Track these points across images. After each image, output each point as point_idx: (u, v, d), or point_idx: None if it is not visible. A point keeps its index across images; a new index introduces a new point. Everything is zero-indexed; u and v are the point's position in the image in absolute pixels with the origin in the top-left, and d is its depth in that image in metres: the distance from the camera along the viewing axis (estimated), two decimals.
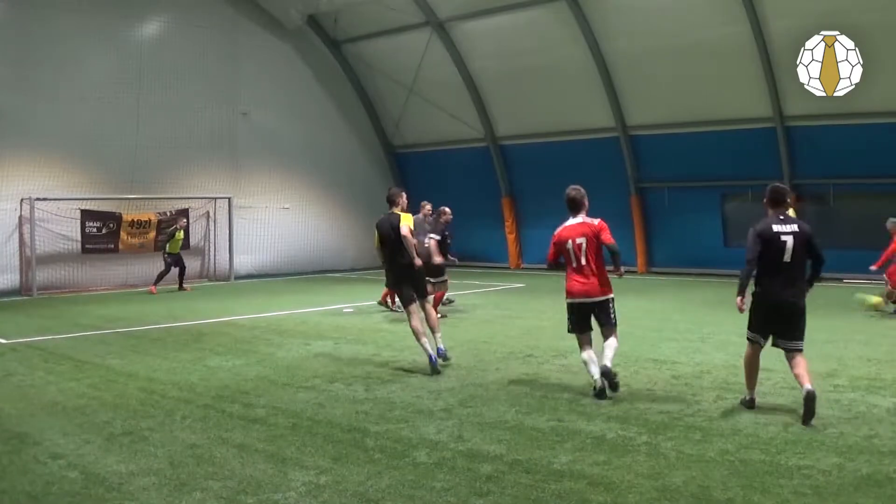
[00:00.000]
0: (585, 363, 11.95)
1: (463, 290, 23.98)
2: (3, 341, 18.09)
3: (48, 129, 29.28)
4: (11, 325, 21.08)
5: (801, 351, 10.55)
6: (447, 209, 21.87)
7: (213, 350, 16.42)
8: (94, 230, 30.61)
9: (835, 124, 27.61)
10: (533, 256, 36.27)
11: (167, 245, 30.28)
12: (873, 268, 20.59)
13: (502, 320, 20.56)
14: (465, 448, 9.25)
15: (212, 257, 34.06)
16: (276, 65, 36.47)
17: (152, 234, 31.88)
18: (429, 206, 22.10)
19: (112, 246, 31.10)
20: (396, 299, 19.39)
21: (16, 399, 12.21)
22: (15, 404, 11.83)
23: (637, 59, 30.83)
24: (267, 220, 35.78)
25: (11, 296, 28.35)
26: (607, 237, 12.08)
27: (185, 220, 31.66)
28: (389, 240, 14.72)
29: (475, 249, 35.82)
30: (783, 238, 10.47)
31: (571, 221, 12.33)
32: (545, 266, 12.97)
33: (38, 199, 28.93)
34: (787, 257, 10.48)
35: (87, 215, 30.42)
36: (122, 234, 31.21)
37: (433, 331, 14.64)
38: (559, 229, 12.36)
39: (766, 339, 10.78)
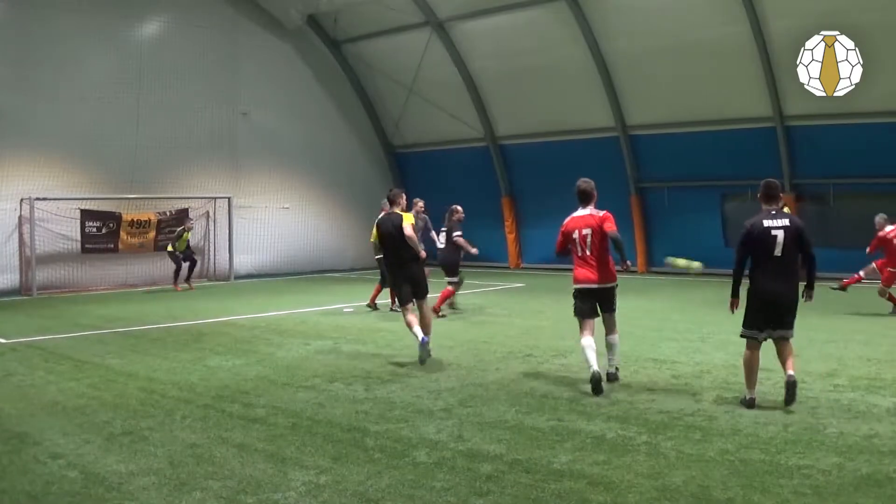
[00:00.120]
0: (584, 349, 12.20)
1: (463, 291, 23.92)
2: (2, 341, 18.09)
3: (48, 129, 29.29)
4: (11, 324, 21.08)
5: (789, 339, 11.03)
6: (459, 207, 22.17)
7: (213, 350, 16.42)
8: (94, 230, 30.61)
9: (835, 124, 27.62)
10: (533, 256, 36.30)
11: (175, 243, 30.28)
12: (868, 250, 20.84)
13: (502, 320, 20.57)
14: (464, 448, 9.25)
15: (211, 257, 34.04)
16: (276, 65, 36.48)
17: (152, 234, 31.89)
18: (421, 203, 22.22)
19: (112, 246, 31.10)
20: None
21: (16, 399, 12.21)
22: (15, 404, 11.82)
23: (637, 58, 30.84)
24: (267, 219, 35.79)
25: (11, 295, 28.38)
26: (609, 226, 12.44)
27: (192, 221, 31.64)
28: (391, 239, 15.07)
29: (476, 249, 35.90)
30: (773, 233, 10.78)
31: (579, 213, 12.74)
32: (554, 255, 13.32)
33: (37, 198, 28.94)
34: (777, 251, 10.77)
35: (86, 215, 30.42)
36: (122, 234, 31.20)
37: (424, 333, 14.72)
38: (567, 220, 12.80)
39: (762, 332, 10.98)
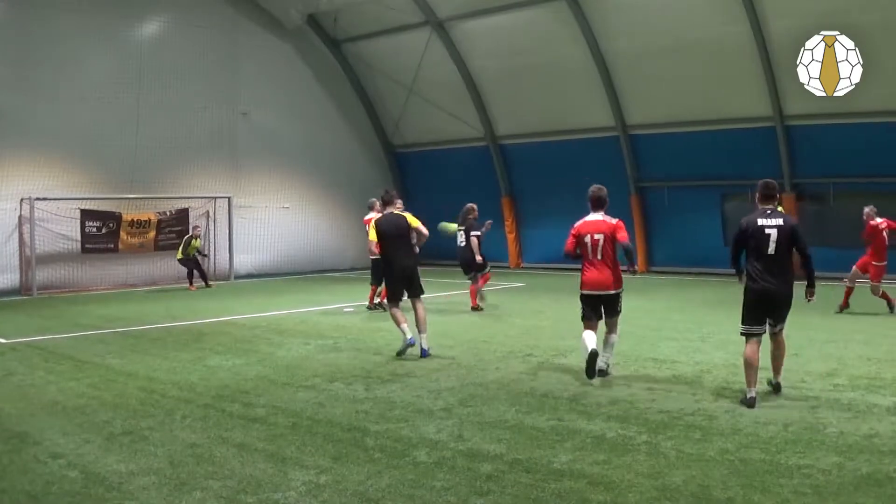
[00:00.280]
0: (584, 339, 12.78)
1: (464, 290, 23.92)
2: (3, 341, 18.11)
3: (48, 129, 29.30)
4: (11, 324, 21.10)
5: (781, 333, 11.49)
6: (475, 206, 22.77)
7: (213, 349, 16.43)
8: (94, 230, 30.62)
9: (834, 123, 27.60)
10: (533, 256, 36.30)
11: (185, 250, 30.39)
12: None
13: (502, 319, 20.56)
14: (465, 447, 9.25)
15: (212, 257, 34.01)
16: (276, 64, 36.46)
17: (152, 234, 31.91)
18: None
19: (112, 246, 31.10)
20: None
21: (16, 398, 12.22)
22: (15, 404, 11.83)
23: (637, 58, 30.82)
24: (267, 219, 35.77)
25: (11, 295, 28.38)
26: (622, 236, 12.95)
27: (199, 228, 31.61)
28: (392, 239, 15.44)
29: None
30: (767, 231, 11.09)
31: (592, 217, 13.12)
32: (563, 256, 13.50)
33: (37, 198, 28.94)
34: (771, 249, 11.08)
35: (86, 215, 30.42)
36: (122, 234, 31.20)
37: (420, 331, 15.24)
38: (579, 223, 13.17)
39: (760, 327, 11.26)
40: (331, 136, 38.23)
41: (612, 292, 13.01)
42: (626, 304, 13.62)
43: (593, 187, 13.31)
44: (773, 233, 11.04)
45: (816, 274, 11.52)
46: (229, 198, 34.17)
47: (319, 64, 38.31)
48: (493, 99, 36.07)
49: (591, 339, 12.75)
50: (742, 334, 11.33)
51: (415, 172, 40.16)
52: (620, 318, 13.40)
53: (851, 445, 8.98)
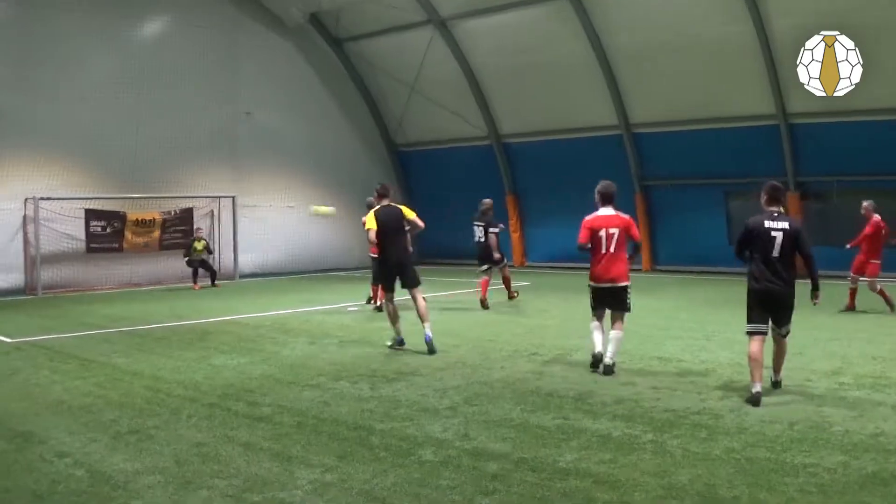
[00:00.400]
0: (591, 332, 13.58)
1: (468, 289, 23.94)
2: (8, 340, 18.14)
3: (50, 129, 29.37)
4: (16, 324, 21.14)
5: (785, 336, 11.63)
6: (491, 202, 23.87)
7: (218, 349, 16.45)
8: (99, 229, 30.67)
9: (838, 121, 27.61)
10: (537, 254, 36.32)
11: (191, 253, 30.46)
12: (848, 246, 20.99)
13: (507, 318, 20.58)
14: (470, 446, 9.25)
15: (216, 256, 34.03)
16: (278, 63, 36.50)
17: (157, 234, 31.97)
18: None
19: (116, 245, 31.17)
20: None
21: (21, 398, 12.24)
22: (20, 403, 11.86)
23: (639, 56, 30.84)
24: (271, 218, 35.78)
25: (16, 295, 28.44)
26: (636, 232, 13.72)
27: (201, 230, 31.57)
28: (392, 231, 15.91)
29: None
30: (773, 234, 11.22)
31: (604, 212, 13.53)
32: (576, 249, 13.87)
33: (41, 198, 28.99)
34: (775, 252, 11.21)
35: (91, 214, 30.48)
36: (127, 234, 31.26)
37: (422, 319, 15.74)
38: (592, 217, 13.56)
39: (765, 325, 11.40)
40: (333, 136, 38.25)
41: (621, 285, 13.36)
42: (632, 302, 13.67)
43: (604, 182, 13.72)
44: (779, 236, 11.17)
45: (820, 272, 11.59)
46: (233, 197, 34.20)
47: (321, 63, 38.33)
48: (496, 97, 36.08)
49: (598, 338, 13.40)
50: (747, 332, 11.42)
51: (418, 171, 40.19)
52: (627, 316, 13.60)
53: (857, 444, 8.99)
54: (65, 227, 29.97)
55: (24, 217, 29.24)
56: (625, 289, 13.43)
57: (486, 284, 22.76)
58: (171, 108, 32.35)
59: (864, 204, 20.39)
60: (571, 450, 9.02)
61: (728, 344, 15.28)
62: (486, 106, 36.36)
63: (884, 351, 14.66)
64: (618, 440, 9.37)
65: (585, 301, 14.15)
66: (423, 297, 16.02)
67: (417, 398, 11.68)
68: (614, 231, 13.28)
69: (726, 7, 27.68)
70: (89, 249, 30.61)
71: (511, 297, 23.34)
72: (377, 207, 16.18)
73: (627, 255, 13.55)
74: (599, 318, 13.60)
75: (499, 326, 19.01)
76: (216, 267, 31.70)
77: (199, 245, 30.63)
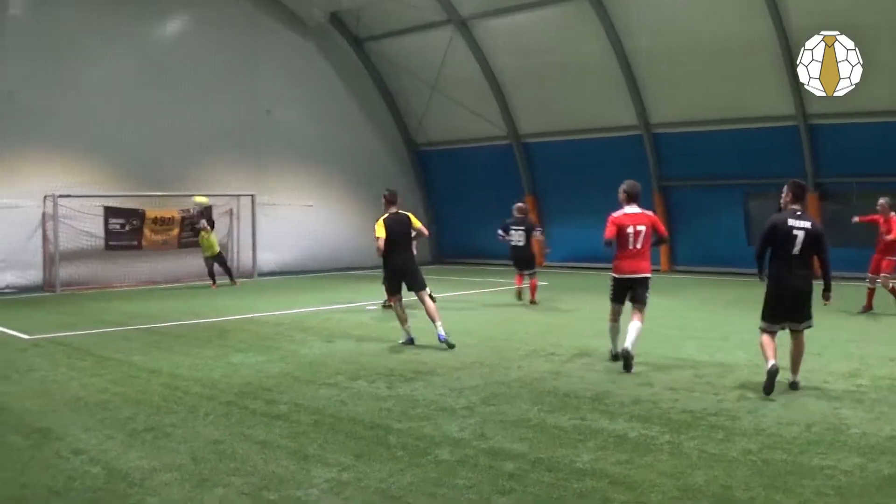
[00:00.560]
0: (610, 331, 14.09)
1: (487, 288, 23.92)
2: (25, 337, 18.17)
3: (71, 127, 29.48)
4: (34, 320, 21.17)
5: (803, 332, 11.84)
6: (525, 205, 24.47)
7: (236, 347, 16.46)
8: (118, 227, 30.72)
9: (858, 122, 27.55)
10: (555, 254, 36.27)
11: (203, 250, 30.47)
12: (855, 219, 21.59)
13: (525, 318, 20.59)
14: (487, 446, 9.23)
15: (235, 254, 34.10)
16: (299, 63, 36.60)
17: (176, 231, 32.01)
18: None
19: (136, 243, 31.22)
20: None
21: (38, 394, 12.25)
22: (37, 399, 11.87)
23: (659, 55, 30.82)
24: (290, 217, 35.83)
25: (35, 292, 28.51)
26: (663, 228, 14.32)
27: (203, 222, 31.43)
28: (399, 237, 16.31)
29: (499, 247, 35.70)
30: (795, 232, 11.45)
31: (630, 210, 13.90)
32: (603, 245, 14.05)
33: (60, 195, 29.06)
34: (796, 250, 11.48)
35: (110, 212, 30.53)
36: (146, 231, 31.32)
37: (433, 320, 16.17)
38: (619, 214, 13.87)
39: (778, 325, 11.72)
40: (353, 135, 38.31)
41: (643, 276, 13.84)
42: (649, 303, 13.71)
43: (630, 182, 14.16)
44: (801, 235, 11.39)
45: (838, 273, 11.71)
46: (252, 195, 34.23)
47: (342, 62, 38.42)
48: (516, 97, 36.10)
49: (616, 338, 13.98)
50: (761, 329, 11.77)
51: (437, 171, 40.22)
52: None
53: (874, 446, 8.95)
54: (83, 224, 30.02)
55: (43, 214, 29.31)
56: (647, 279, 13.87)
57: (535, 286, 23.43)
58: (190, 107, 32.46)
59: (881, 201, 20.31)
60: (588, 450, 9.00)
61: (745, 345, 15.20)
62: (506, 105, 36.38)
63: None
64: (634, 441, 9.35)
65: (603, 301, 14.20)
66: (431, 297, 16.62)
67: (435, 398, 11.66)
68: (641, 228, 13.70)
69: (746, 8, 27.63)
70: (108, 247, 30.67)
71: (532, 303, 23.25)
72: (386, 215, 16.41)
73: (652, 244, 14.05)
74: (617, 314, 13.95)
75: (516, 326, 19.01)
76: (232, 264, 31.64)
77: (205, 240, 30.46)
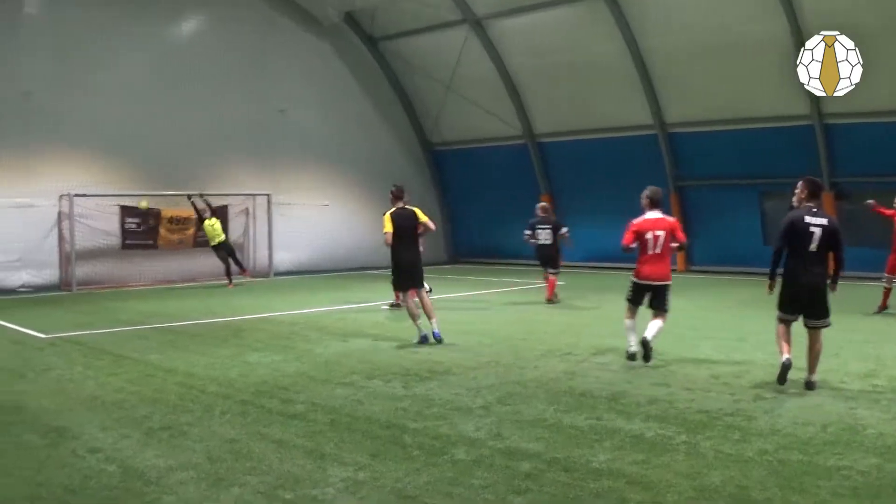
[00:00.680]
0: (626, 330, 14.12)
1: (503, 288, 23.93)
2: (42, 336, 18.22)
3: (85, 126, 29.57)
4: (51, 319, 21.22)
5: (823, 329, 11.84)
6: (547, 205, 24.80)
7: (252, 346, 16.49)
8: (134, 226, 30.80)
9: (874, 122, 27.48)
10: (571, 254, 36.23)
11: (211, 240, 30.34)
12: (870, 201, 21.26)
13: (541, 317, 20.57)
14: (503, 446, 9.23)
15: (251, 254, 34.15)
16: (313, 62, 36.61)
17: (191, 231, 32.06)
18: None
19: (151, 242, 31.32)
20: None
21: (55, 393, 12.29)
22: (54, 398, 11.91)
23: (674, 55, 30.75)
24: (306, 216, 35.81)
25: (51, 291, 28.59)
26: (681, 234, 14.58)
27: (207, 212, 30.93)
28: (405, 232, 16.59)
29: (514, 246, 35.68)
30: (812, 229, 11.57)
31: (651, 215, 14.16)
32: (621, 249, 14.37)
33: (76, 195, 29.14)
34: (812, 246, 11.60)
35: (126, 211, 30.60)
36: (162, 231, 31.41)
37: (429, 317, 16.61)
38: (640, 220, 14.16)
39: (794, 315, 11.88)
40: (368, 134, 38.29)
41: (663, 283, 14.07)
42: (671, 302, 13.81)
43: (652, 188, 14.45)
44: (818, 231, 11.49)
45: (855, 273, 11.77)
46: (268, 195, 34.27)
47: (357, 62, 38.42)
48: (531, 97, 36.06)
49: (632, 333, 13.97)
50: (777, 318, 12.02)
51: (452, 170, 40.21)
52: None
53: (890, 447, 8.93)
54: (99, 223, 30.11)
55: (59, 213, 29.40)
56: (667, 287, 14.10)
57: (553, 284, 23.49)
58: (205, 106, 32.50)
59: None
60: (604, 450, 8.99)
61: (762, 345, 15.16)
62: (521, 105, 36.35)
63: None
64: (651, 441, 9.34)
65: (620, 301, 14.29)
66: (427, 296, 17.01)
67: (450, 397, 11.66)
68: (661, 233, 13.94)
69: (761, 7, 27.56)
70: (124, 246, 30.76)
71: (549, 301, 23.31)
72: (392, 210, 16.63)
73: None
74: (633, 312, 14.13)
75: (532, 325, 19.00)
76: (248, 264, 31.64)
77: (209, 228, 30.15)
